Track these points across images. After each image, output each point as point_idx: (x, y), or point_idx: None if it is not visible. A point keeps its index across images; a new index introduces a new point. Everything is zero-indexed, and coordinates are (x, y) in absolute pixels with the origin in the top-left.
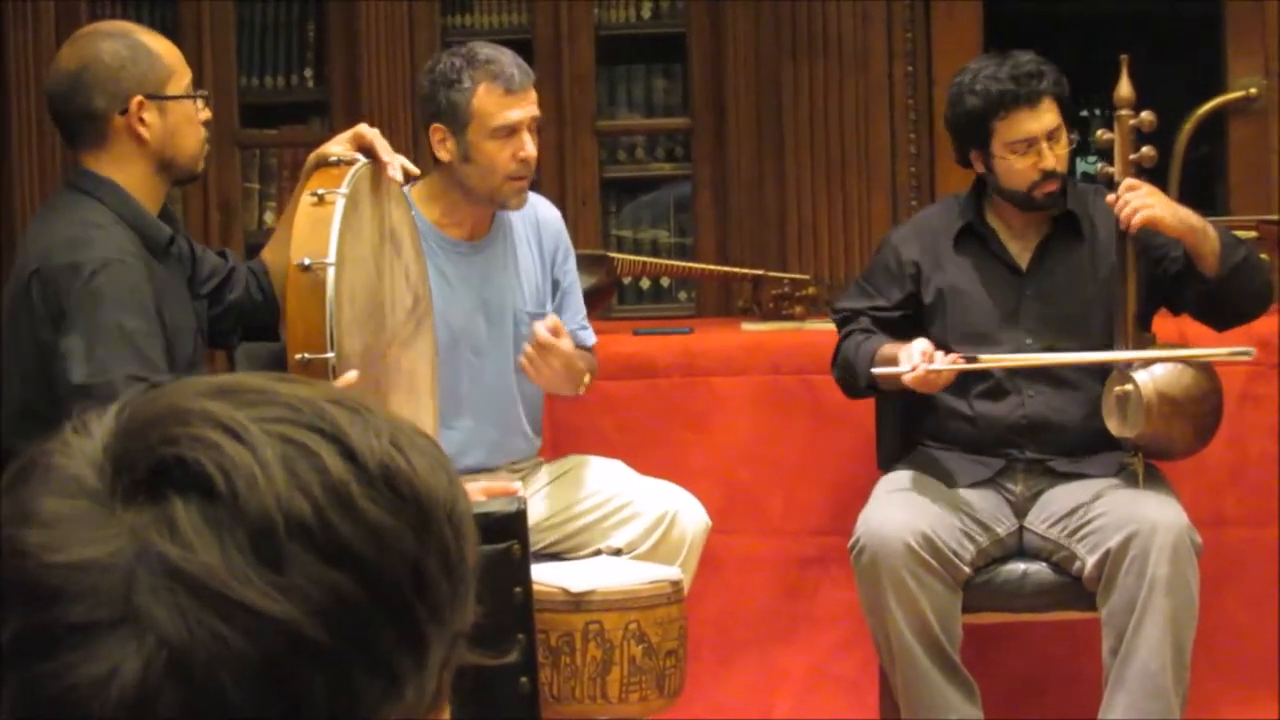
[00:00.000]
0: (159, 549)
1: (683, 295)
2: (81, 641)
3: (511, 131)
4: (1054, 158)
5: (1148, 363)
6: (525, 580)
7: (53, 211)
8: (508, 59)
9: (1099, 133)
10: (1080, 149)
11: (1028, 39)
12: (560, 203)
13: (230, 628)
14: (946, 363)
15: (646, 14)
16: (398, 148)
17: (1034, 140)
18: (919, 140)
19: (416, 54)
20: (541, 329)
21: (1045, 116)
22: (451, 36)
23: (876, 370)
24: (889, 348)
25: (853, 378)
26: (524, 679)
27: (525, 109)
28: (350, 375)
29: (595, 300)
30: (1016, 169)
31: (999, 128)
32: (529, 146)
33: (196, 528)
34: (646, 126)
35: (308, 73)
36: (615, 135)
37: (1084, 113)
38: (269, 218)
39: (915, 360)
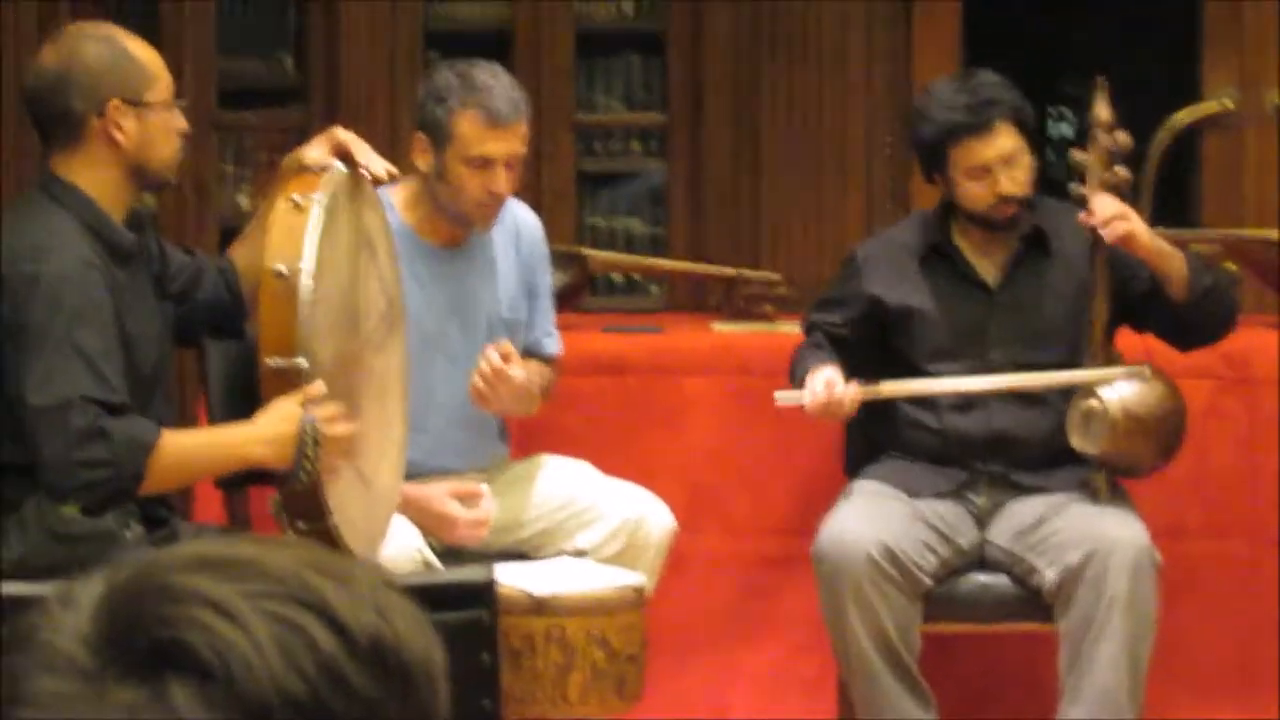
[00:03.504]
0: None
1: (654, 290)
2: None
3: (486, 163)
4: (1011, 182)
5: (1095, 383)
6: (493, 648)
7: (18, 216)
8: (501, 90)
9: (1073, 152)
10: (1056, 145)
11: (1006, 43)
12: (535, 195)
13: None
14: (846, 392)
15: (629, 10)
16: (374, 138)
17: (989, 167)
18: (896, 143)
19: (398, 43)
20: (492, 356)
21: (1000, 142)
22: (434, 25)
23: (781, 397)
24: (811, 371)
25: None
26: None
27: (506, 144)
28: (318, 386)
29: (568, 296)
30: (973, 194)
31: (954, 155)
32: (500, 183)
33: (194, 712)
34: (623, 121)
35: (287, 58)
36: (592, 129)
37: (1055, 111)
38: (243, 200)
39: (817, 389)
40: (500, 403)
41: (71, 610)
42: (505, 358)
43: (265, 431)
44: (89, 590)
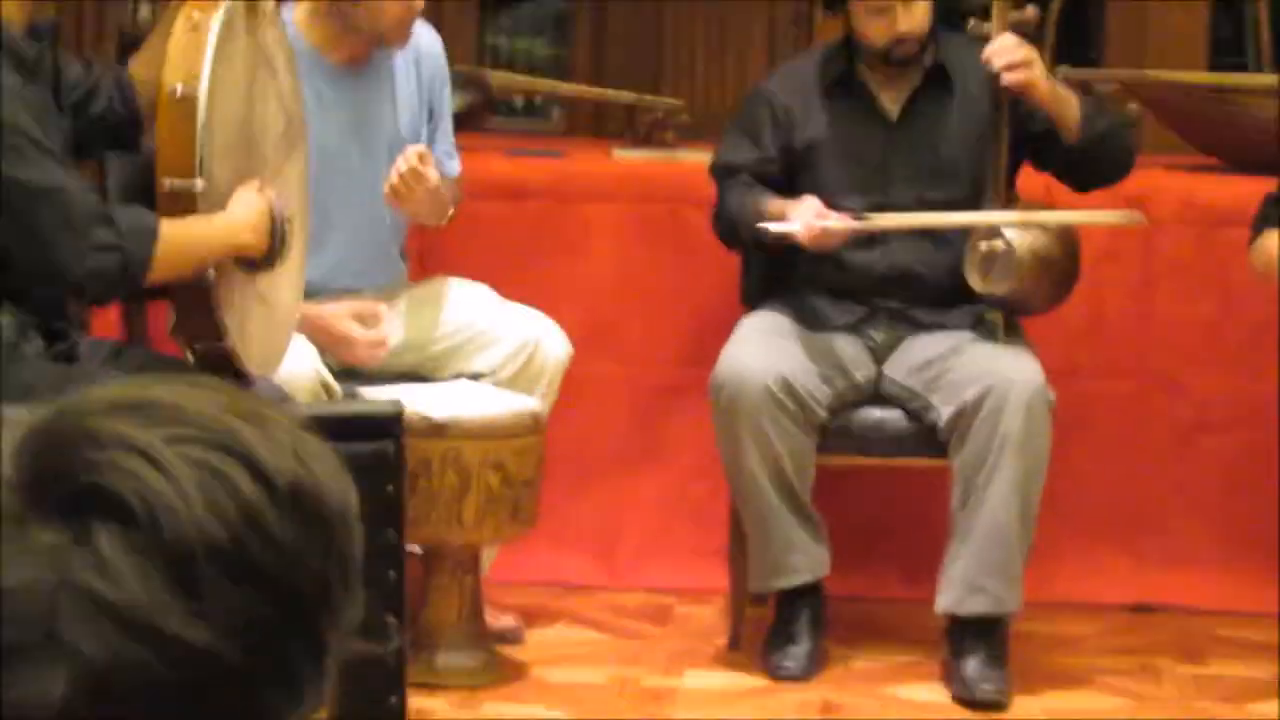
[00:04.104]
0: (82, 578)
1: (556, 113)
2: (6, 664)
3: None
4: (907, 21)
5: (1027, 224)
6: (399, 480)
7: None
8: None
9: None
10: None
11: None
12: (437, 15)
13: (153, 655)
14: (838, 222)
15: None
16: None
17: (888, 5)
18: None
19: None
20: (411, 156)
21: None
22: None
23: (767, 227)
24: (775, 204)
25: (735, 233)
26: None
27: None
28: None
29: (468, 118)
30: (871, 30)
31: None
32: None
33: (118, 556)
34: None
35: None
36: None
37: None
38: (144, 12)
39: (809, 219)
40: (414, 204)
41: None
42: (422, 159)
43: (248, 218)
44: (10, 432)
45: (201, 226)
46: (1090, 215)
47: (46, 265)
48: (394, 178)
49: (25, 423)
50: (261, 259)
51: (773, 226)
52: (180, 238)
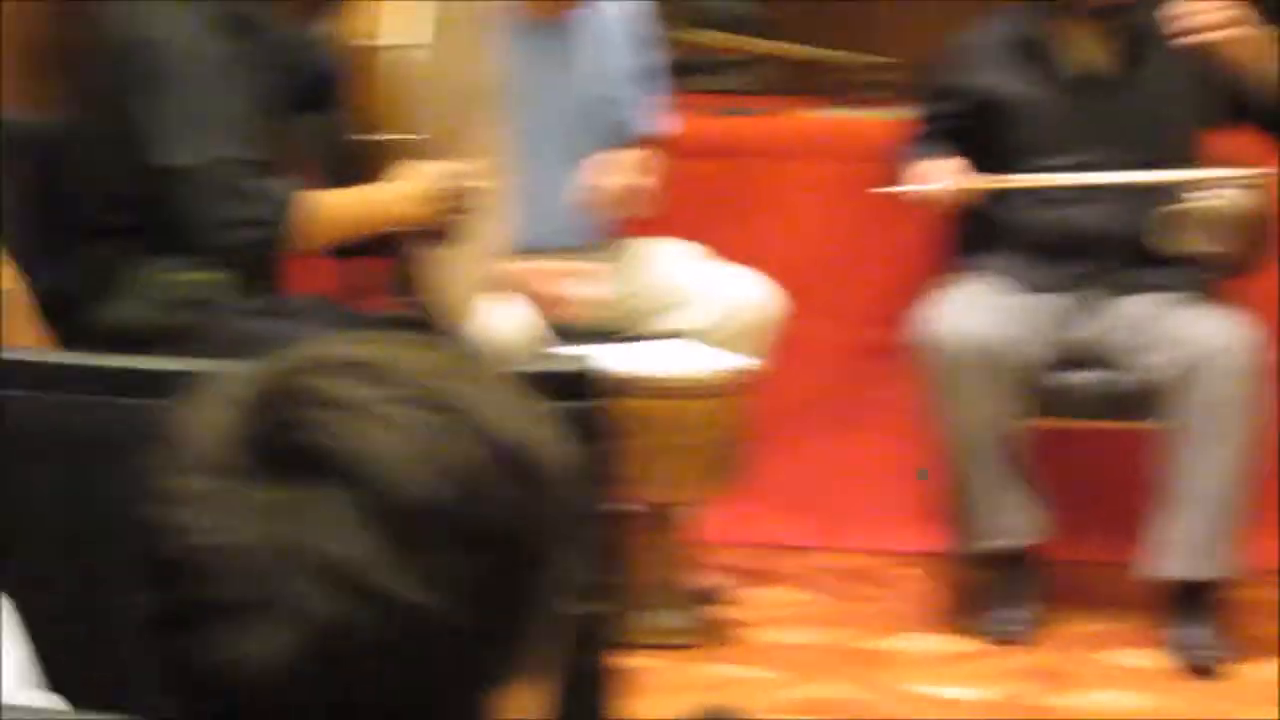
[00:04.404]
0: (304, 537)
1: (763, 72)
2: (228, 621)
3: None
4: None
5: (1198, 183)
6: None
7: None
8: None
9: None
10: None
11: None
12: None
13: (376, 615)
14: (969, 182)
15: None
16: None
17: None
18: None
19: None
20: (588, 179)
21: None
22: None
23: (902, 189)
24: (923, 164)
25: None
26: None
27: None
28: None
29: (676, 76)
30: None
31: None
32: None
33: (340, 515)
34: None
35: None
36: None
37: None
38: None
39: (941, 179)
40: (615, 209)
41: (218, 410)
42: (619, 165)
43: (411, 189)
44: (234, 389)
45: (356, 195)
46: (1244, 171)
47: (192, 240)
48: (590, 185)
49: (248, 381)
50: (433, 230)
51: (905, 189)
52: (330, 208)
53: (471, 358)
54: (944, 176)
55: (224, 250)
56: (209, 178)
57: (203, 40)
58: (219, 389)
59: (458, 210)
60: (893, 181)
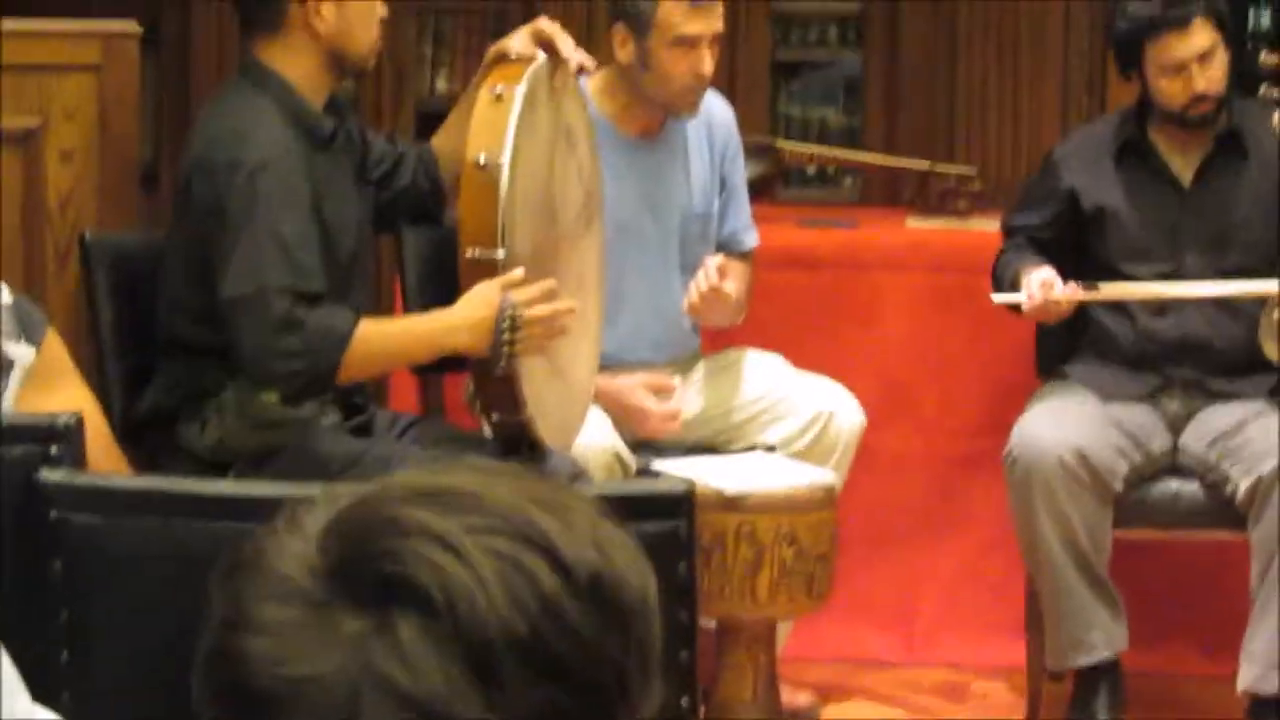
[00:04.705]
0: (383, 668)
1: (849, 182)
2: None
3: (691, 44)
4: (1205, 80)
5: None
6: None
7: (218, 103)
8: None
9: (1264, 54)
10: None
11: None
12: (729, 84)
13: None
14: (1065, 293)
15: None
16: (571, 26)
17: (1184, 64)
18: (1093, 36)
19: None
20: (711, 272)
21: (1195, 39)
22: None
23: (997, 298)
24: (1022, 272)
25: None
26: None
27: (708, 22)
28: (517, 272)
29: (760, 188)
30: (1167, 92)
31: (1149, 51)
32: (706, 63)
33: (418, 646)
34: (819, 10)
35: None
36: (788, 18)
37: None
38: (441, 84)
39: (1034, 291)
40: (713, 318)
41: (298, 537)
42: (721, 273)
43: (464, 318)
44: (314, 516)
45: (408, 325)
46: None
47: (241, 367)
48: (694, 294)
49: (328, 508)
50: (482, 361)
51: (999, 296)
52: (384, 338)
53: (554, 484)
54: (1058, 285)
55: (273, 381)
56: (257, 307)
57: (292, 159)
58: (302, 514)
59: (518, 338)
60: (991, 290)
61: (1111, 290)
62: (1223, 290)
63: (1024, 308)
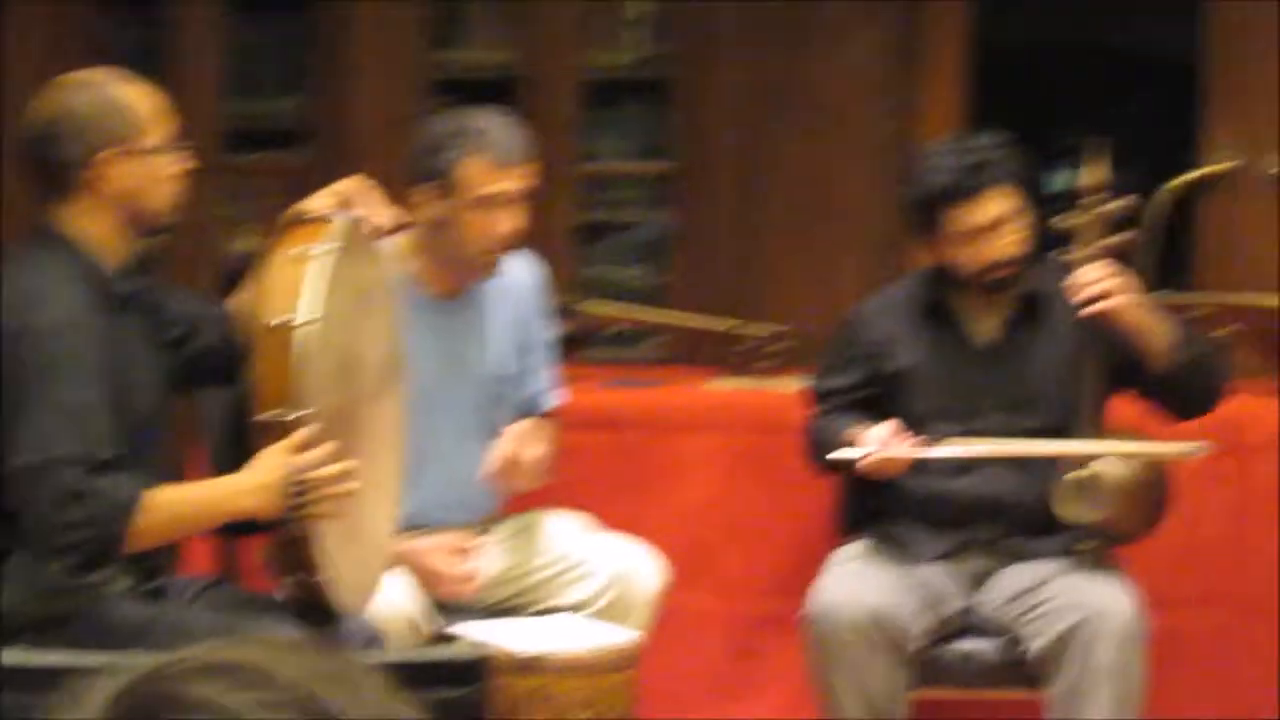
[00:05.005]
0: None
1: (653, 341)
2: None
3: (494, 204)
4: (1002, 247)
5: (1093, 453)
6: None
7: (12, 267)
8: (502, 130)
9: (1055, 219)
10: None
11: (1014, 97)
12: (534, 241)
13: None
14: (901, 450)
15: (626, 59)
16: (380, 181)
17: (979, 232)
18: (895, 200)
19: (405, 87)
20: (506, 441)
21: (989, 207)
22: (440, 72)
23: (832, 456)
24: (849, 431)
25: (818, 458)
26: None
27: (513, 183)
28: (305, 432)
29: (566, 348)
30: (963, 258)
31: (943, 219)
32: (506, 224)
33: None
34: (625, 171)
35: (293, 99)
36: (593, 178)
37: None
38: (245, 244)
39: (870, 447)
40: (512, 484)
41: (81, 712)
42: (520, 440)
43: (253, 481)
44: (98, 692)
45: (195, 492)
46: (1159, 446)
47: (27, 538)
48: (495, 464)
49: (114, 681)
50: (275, 523)
51: (835, 454)
52: (172, 505)
53: (344, 658)
54: (889, 441)
55: (57, 553)
56: (46, 479)
57: (83, 323)
58: (85, 689)
59: (308, 500)
60: (811, 454)
61: (945, 449)
62: (1060, 449)
63: (861, 463)
